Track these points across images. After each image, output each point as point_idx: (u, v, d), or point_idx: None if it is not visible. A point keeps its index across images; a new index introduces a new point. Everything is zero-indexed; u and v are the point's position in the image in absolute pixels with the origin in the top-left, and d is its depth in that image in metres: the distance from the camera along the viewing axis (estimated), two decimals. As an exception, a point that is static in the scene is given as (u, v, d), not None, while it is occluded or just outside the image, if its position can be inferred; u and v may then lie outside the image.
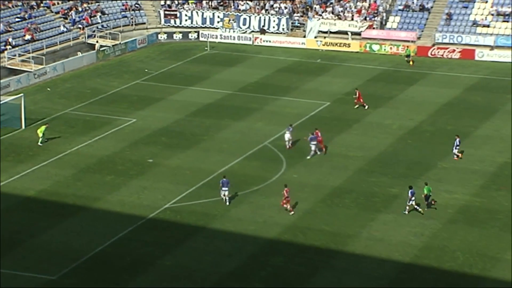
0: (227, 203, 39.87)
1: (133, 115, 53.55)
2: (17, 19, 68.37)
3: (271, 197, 41.03)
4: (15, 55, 63.25)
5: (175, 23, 76.15)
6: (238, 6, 76.66)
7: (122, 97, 57.77)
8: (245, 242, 36.57)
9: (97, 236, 36.79)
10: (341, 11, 74.57)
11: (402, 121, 52.10)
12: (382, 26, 73.33)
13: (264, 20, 74.81)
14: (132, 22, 74.80)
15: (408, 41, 70.55)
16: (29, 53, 63.91)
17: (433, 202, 39.73)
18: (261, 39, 73.07)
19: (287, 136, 47.43)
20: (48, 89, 59.65)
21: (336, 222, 38.42)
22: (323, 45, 71.30)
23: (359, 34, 72.38)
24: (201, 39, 74.05)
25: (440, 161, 45.64)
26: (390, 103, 56.47)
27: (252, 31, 74.74)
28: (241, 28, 75.10)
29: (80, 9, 73.23)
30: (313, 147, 45.17)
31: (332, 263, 34.89)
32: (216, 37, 73.88)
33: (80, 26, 71.13)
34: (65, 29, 69.65)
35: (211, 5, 77.15)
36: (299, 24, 75.01)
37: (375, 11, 74.19)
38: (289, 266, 34.60)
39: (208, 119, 52.67)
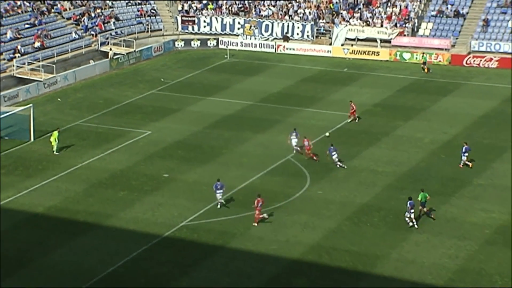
0: (218, 206, 41.07)
1: (148, 127, 53.80)
2: (26, 26, 69.08)
3: (295, 214, 40.98)
4: (24, 64, 63.86)
5: (193, 29, 76.55)
6: (260, 11, 76.94)
7: (137, 108, 58.08)
8: (266, 263, 36.51)
9: (109, 256, 36.92)
10: (370, 17, 74.59)
11: (435, 135, 51.89)
12: (413, 33, 73.22)
13: (288, 26, 74.99)
14: (148, 28, 75.31)
15: (441, 49, 70.39)
16: (39, 61, 64.49)
17: (428, 211, 40.07)
18: (284, 47, 73.22)
19: (294, 141, 48.12)
20: (59, 99, 60.14)
21: (363, 242, 38.26)
22: (350, 53, 71.29)
23: (388, 41, 72.32)
24: (220, 46, 74.35)
25: (476, 178, 45.35)
26: (421, 115, 56.28)
27: (275, 38, 74.93)
28: (263, 35, 75.32)
29: (93, 15, 73.85)
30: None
31: (359, 286, 34.72)
32: (237, 45, 74.14)
33: (92, 33, 71.72)
34: (77, 36, 70.25)
35: (231, 11, 77.51)
36: (324, 31, 75.10)
37: (406, 17, 74.11)
38: (313, 288, 34.53)
39: (227, 132, 52.79)
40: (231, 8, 77.67)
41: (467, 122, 54.54)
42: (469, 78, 64.85)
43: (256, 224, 39.79)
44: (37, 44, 66.68)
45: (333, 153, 46.63)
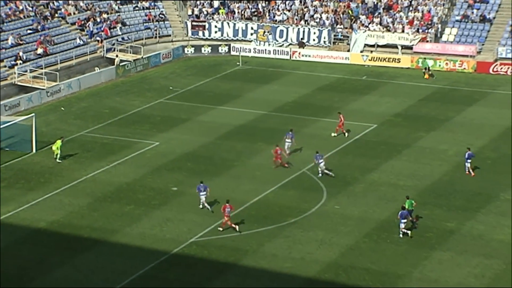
0: (200, 206, 42.56)
1: (156, 137, 53.97)
2: (28, 31, 69.52)
3: (310, 231, 40.97)
4: (26, 71, 64.23)
5: (203, 35, 76.83)
6: (274, 16, 77.14)
7: (144, 117, 58.29)
8: (281, 281, 36.47)
9: (115, 274, 37.00)
10: (391, 22, 74.63)
11: (459, 147, 51.77)
12: (436, 39, 73.20)
13: (303, 32, 75.14)
14: (156, 34, 75.65)
15: (466, 56, 70.34)
16: (42, 68, 64.86)
17: (415, 219, 40.75)
18: (299, 54, 73.34)
19: (287, 144, 49.21)
20: (62, 108, 60.44)
21: (383, 260, 38.19)
22: (370, 60, 71.33)
23: (410, 48, 72.32)
24: (232, 53, 74.56)
25: (503, 192, 45.20)
26: (445, 126, 56.19)
27: (290, 44, 75.08)
28: (277, 41, 75.48)
29: (98, 19, 74.27)
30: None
31: (379, 307, 34.66)
32: (249, 51, 74.34)
33: (98, 38, 72.10)
34: (81, 42, 70.63)
35: (244, 15, 77.74)
36: (342, 37, 75.20)
37: (429, 22, 74.10)
38: (330, 309, 34.49)
39: (239, 143, 52.87)
40: (244, 12, 77.92)
41: (493, 133, 54.39)
42: (495, 87, 64.71)
43: (221, 229, 40.54)
44: (39, 51, 67.06)
45: (320, 161, 47.03)
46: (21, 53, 65.63)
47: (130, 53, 71.60)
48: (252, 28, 76.15)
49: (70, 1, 74.85)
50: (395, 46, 72.54)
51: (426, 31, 73.25)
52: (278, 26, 75.78)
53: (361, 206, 43.50)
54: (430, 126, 55.88)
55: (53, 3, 74.03)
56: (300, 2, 77.99)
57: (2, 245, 39.43)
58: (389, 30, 74.01)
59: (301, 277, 36.89)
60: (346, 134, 53.70)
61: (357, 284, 36.25)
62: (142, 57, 71.08)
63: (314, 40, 74.81)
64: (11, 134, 51.71)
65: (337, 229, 41.02)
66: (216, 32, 76.72)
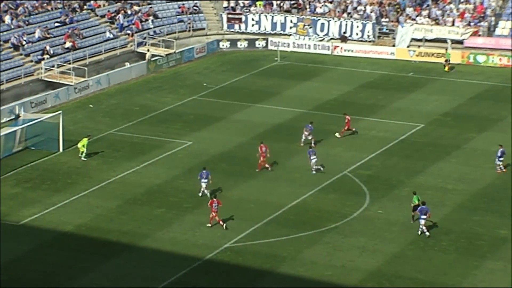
0: (200, 194, 44.38)
1: (189, 137, 54.19)
2: (56, 24, 70.16)
3: (352, 237, 40.87)
4: (53, 66, 64.82)
5: (239, 28, 76.96)
6: (315, 9, 77.04)
7: (176, 115, 58.55)
8: (320, 291, 36.54)
9: (144, 281, 37.21)
10: (440, 14, 74.14)
11: (513, 148, 51.33)
12: (489, 32, 72.56)
13: (346, 25, 74.94)
14: (190, 27, 75.94)
15: (521, 50, 69.65)
16: (69, 63, 65.42)
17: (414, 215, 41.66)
18: (341, 48, 73.18)
19: (304, 135, 50.31)
20: (91, 105, 60.93)
21: (430, 269, 37.99)
22: (417, 55, 70.94)
23: (461, 42, 71.82)
24: (270, 47, 74.59)
25: (560, 197, 44.74)
26: (498, 126, 55.71)
27: (331, 39, 74.92)
28: (318, 35, 75.37)
29: (129, 12, 74.75)
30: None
31: (425, 319, 34.51)
32: (288, 46, 74.32)
33: (128, 32, 72.57)
34: (111, 36, 71.14)
35: (283, 8, 77.73)
36: (387, 31, 74.87)
37: (482, 15, 73.49)
38: (372, 321, 34.40)
39: (277, 143, 52.88)
40: (283, 4, 77.91)
41: (550, 134, 53.81)
42: (552, 84, 64.02)
43: (209, 225, 41.26)
44: (67, 45, 67.65)
45: (312, 157, 47.41)
46: (48, 47, 66.25)
47: (162, 47, 71.94)
48: (291, 21, 76.10)
49: (99, -7, 75.47)
50: (444, 41, 72.05)
51: (478, 24, 72.65)
52: (319, 19, 75.65)
53: (407, 211, 43.29)
54: (481, 126, 55.43)
55: (82, -6, 74.72)
56: (343, -7, 77.83)
57: (26, 249, 39.88)
58: (438, 24, 73.52)
59: (342, 286, 36.82)
60: (339, 136, 53.52)
61: (402, 295, 36.18)
62: (174, 51, 71.39)
63: (357, 34, 74.57)
64: (37, 132, 52.24)
65: (380, 235, 40.88)
66: (253, 25, 76.80)
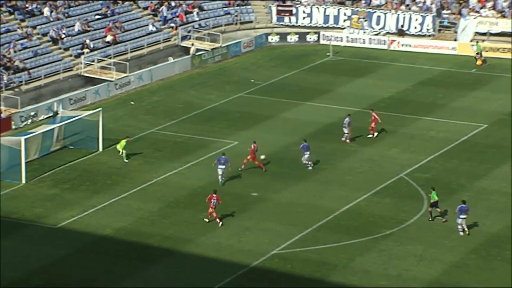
0: (221, 181, 46.05)
1: (235, 136, 54.28)
2: (97, 17, 70.75)
3: (408, 244, 40.62)
4: (93, 61, 65.37)
5: (289, 21, 76.91)
6: (370, 1, 76.71)
7: (222, 113, 58.70)
8: (373, 302, 36.42)
9: (186, 288, 37.41)
10: (506, 6, 73.33)
11: None
12: (559, 26, 71.64)
13: (404, 18, 74.51)
14: (237, 20, 76.07)
15: None
16: (110, 58, 65.92)
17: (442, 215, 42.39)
18: (399, 43, 72.77)
19: (346, 130, 50.79)
20: (132, 102, 61.34)
21: (493, 280, 37.64)
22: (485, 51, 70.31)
23: (528, 36, 71.06)
24: (322, 42, 74.44)
25: None
26: None
27: (388, 33, 74.55)
28: (373, 28, 75.03)
29: (173, 4, 75.12)
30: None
31: (486, 334, 34.17)
32: (341, 40, 74.11)
33: (172, 25, 72.93)
34: (154, 29, 71.55)
35: (336, 0, 77.49)
36: (449, 24, 74.27)
37: (550, 7, 72.56)
38: (429, 335, 34.15)
39: (328, 144, 52.75)
40: (336, -4, 77.69)
41: None
42: None
43: (207, 220, 42.33)
44: (108, 38, 68.17)
45: (305, 152, 47.94)
46: (88, 41, 66.79)
47: (208, 41, 72.16)
48: (345, 14, 75.85)
49: (142, -16, 75.96)
50: (510, 35, 71.26)
51: (547, 17, 71.79)
52: (375, 12, 75.30)
53: (468, 217, 42.86)
54: (552, 127, 54.82)
55: (124, -15, 75.23)
56: (400, -16, 77.42)
57: (64, 253, 40.24)
58: (504, 16, 72.73)
59: (397, 297, 36.69)
60: (375, 134, 53.30)
61: (462, 307, 35.89)
62: (220, 46, 71.56)
63: (415, 27, 74.09)
64: (76, 130, 52.71)
65: (439, 243, 40.56)
66: (304, 18, 76.69)
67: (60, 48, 66.05)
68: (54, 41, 66.15)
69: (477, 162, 49.72)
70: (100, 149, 51.95)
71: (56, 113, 56.46)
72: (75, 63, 65.14)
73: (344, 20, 75.74)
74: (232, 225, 42.74)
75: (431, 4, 75.00)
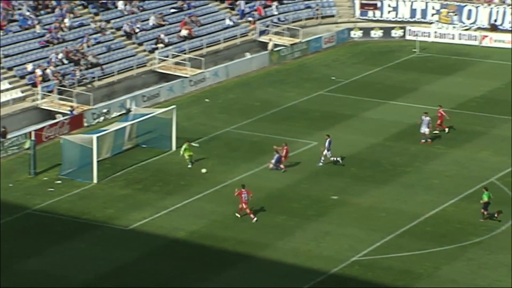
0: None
1: (314, 136, 54.26)
2: (172, 10, 71.35)
3: (499, 253, 40.15)
4: (167, 56, 65.96)
5: (374, 16, 76.57)
6: (460, -7, 75.94)
7: (301, 112, 58.73)
8: (460, 314, 36.09)
9: (262, 294, 37.57)
10: None
11: None
12: None
13: (497, 12, 73.56)
14: (318, 14, 76.01)
15: None
16: (185, 53, 66.46)
17: (496, 215, 42.45)
18: (491, 39, 71.93)
19: (423, 129, 51.05)
20: (207, 100, 61.75)
21: None
22: None
23: None
24: (408, 37, 73.97)
25: None
26: None
27: (479, 28, 73.69)
28: (463, 23, 74.25)
29: (251, -3, 75.35)
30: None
31: None
32: (429, 35, 73.54)
33: (250, 19, 73.17)
34: (231, 23, 71.89)
35: (424, -8, 76.90)
36: (545, 18, 73.14)
37: None
38: None
39: (414, 145, 52.39)
40: (424, -12, 77.07)
41: None
42: None
43: (238, 216, 43.18)
44: (183, 33, 68.69)
45: (328, 150, 49.01)
46: (162, 36, 67.42)
47: (287, 36, 72.22)
48: (433, 8, 75.22)
49: (219, -24, 76.39)
50: None
51: None
52: (466, 5, 74.48)
53: None
54: None
55: (200, -22, 75.79)
56: (493, -24, 76.50)
57: (136, 256, 40.72)
58: None
59: (486, 309, 36.32)
60: (444, 130, 53.30)
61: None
62: (300, 41, 71.58)
63: (510, 22, 73.08)
64: (149, 128, 53.17)
65: (535, 255, 40.06)
66: (389, 12, 76.27)
67: (133, 43, 66.82)
68: (128, 35, 66.90)
69: None
70: (174, 148, 52.39)
71: (128, 111, 57.13)
72: (149, 58, 65.77)
73: (432, 15, 75.12)
74: (310, 230, 42.76)
75: (526, -3, 73.94)
